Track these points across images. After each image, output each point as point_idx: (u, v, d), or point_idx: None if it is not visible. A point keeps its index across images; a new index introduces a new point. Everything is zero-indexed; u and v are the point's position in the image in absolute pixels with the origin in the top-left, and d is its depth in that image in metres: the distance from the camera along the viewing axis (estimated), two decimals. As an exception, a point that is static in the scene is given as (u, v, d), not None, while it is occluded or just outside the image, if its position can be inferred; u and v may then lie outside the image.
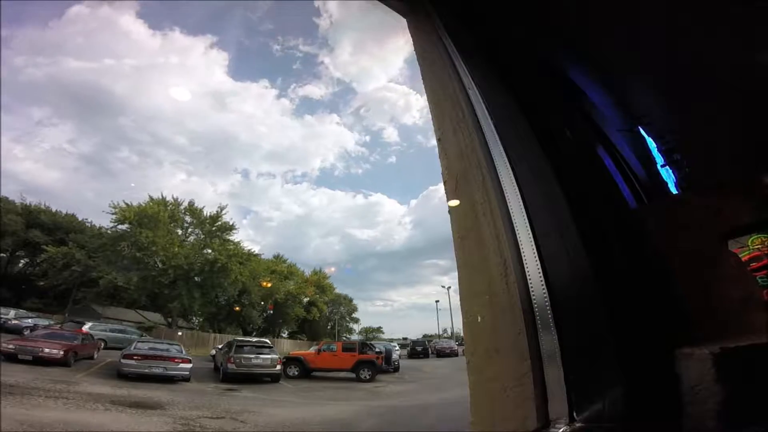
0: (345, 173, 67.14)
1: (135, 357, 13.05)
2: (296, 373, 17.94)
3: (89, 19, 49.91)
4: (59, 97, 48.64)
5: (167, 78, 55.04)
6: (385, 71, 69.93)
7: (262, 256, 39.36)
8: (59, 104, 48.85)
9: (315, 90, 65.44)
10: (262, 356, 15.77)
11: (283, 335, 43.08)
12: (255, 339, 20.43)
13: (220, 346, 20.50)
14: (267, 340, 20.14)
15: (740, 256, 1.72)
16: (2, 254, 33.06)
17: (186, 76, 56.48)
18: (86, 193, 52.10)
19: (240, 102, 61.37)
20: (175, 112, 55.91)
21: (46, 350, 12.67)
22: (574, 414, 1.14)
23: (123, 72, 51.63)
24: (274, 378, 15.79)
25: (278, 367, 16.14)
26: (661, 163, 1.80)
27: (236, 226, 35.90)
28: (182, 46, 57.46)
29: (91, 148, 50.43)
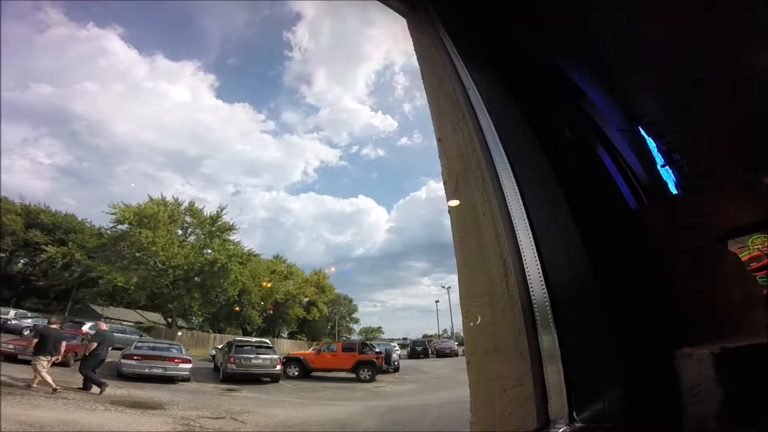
0: (326, 184, 70.56)
1: (135, 357, 13.03)
2: (296, 373, 17.94)
3: (80, 43, 52.08)
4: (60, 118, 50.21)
5: (154, 101, 58.00)
6: (354, 93, 73.03)
7: (262, 256, 39.47)
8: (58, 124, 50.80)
9: (297, 109, 68.69)
10: (261, 356, 15.73)
11: (283, 335, 43.08)
12: (255, 339, 20.40)
13: (219, 346, 20.48)
14: (267, 340, 20.12)
15: (740, 256, 1.72)
16: (2, 254, 33.05)
17: (169, 99, 59.74)
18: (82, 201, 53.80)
19: (228, 121, 64.97)
20: (166, 131, 58.82)
21: (46, 350, 12.65)
22: (574, 414, 1.14)
23: (108, 95, 54.87)
24: (274, 378, 15.76)
25: (278, 367, 16.09)
26: (661, 163, 1.80)
27: (236, 227, 35.96)
28: (172, 71, 60.91)
29: (85, 163, 53.83)
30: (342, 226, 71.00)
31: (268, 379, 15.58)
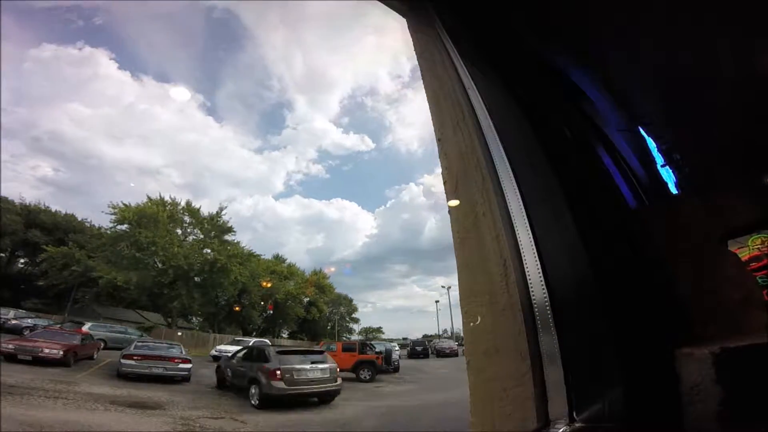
0: (311, 190, 74.17)
1: (135, 357, 13.02)
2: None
3: (71, 64, 52.75)
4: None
5: (142, 120, 59.84)
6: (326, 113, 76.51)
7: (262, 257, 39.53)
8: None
9: (279, 127, 73.30)
10: (320, 366, 10.77)
11: (283, 335, 43.12)
12: (254, 339, 20.27)
13: (228, 349, 18.91)
14: (268, 342, 19.94)
15: (740, 256, 1.72)
16: (2, 254, 33.04)
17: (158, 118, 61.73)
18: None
19: (222, 138, 68.26)
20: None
21: (46, 350, 12.67)
22: (574, 414, 1.14)
23: (100, 116, 56.68)
24: (332, 396, 11.07)
25: (339, 380, 11.31)
26: (661, 163, 1.80)
27: (234, 228, 35.95)
28: (162, 93, 62.44)
29: (81, 177, 55.46)
30: (324, 230, 73.53)
31: (317, 399, 10.82)
